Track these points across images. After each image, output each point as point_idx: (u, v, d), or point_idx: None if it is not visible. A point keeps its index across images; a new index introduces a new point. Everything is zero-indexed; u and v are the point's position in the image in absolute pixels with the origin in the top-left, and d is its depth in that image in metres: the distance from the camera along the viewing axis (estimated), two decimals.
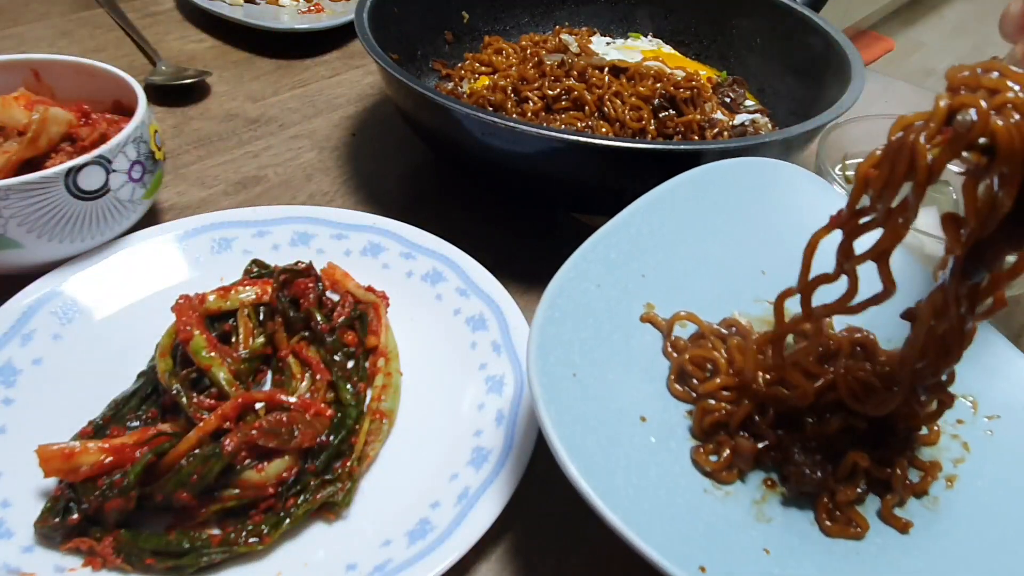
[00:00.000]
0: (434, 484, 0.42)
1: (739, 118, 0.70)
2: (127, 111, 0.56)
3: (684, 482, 0.40)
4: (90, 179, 0.49)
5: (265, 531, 0.39)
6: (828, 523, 0.39)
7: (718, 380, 0.43)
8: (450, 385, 0.48)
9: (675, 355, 0.45)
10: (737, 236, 0.50)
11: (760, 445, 0.41)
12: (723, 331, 0.47)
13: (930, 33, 3.29)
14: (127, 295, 0.51)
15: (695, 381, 0.44)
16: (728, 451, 0.41)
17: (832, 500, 0.40)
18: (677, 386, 0.44)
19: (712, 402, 0.42)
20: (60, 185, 0.47)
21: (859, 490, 0.40)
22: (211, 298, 0.48)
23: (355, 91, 0.82)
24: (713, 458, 0.41)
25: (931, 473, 0.42)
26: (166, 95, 0.77)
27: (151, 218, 0.60)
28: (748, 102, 0.74)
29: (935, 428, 0.44)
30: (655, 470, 0.38)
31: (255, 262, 0.53)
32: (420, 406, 0.47)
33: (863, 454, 0.40)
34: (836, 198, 0.50)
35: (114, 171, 0.50)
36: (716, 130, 0.65)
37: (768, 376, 0.42)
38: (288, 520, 0.39)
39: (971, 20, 3.41)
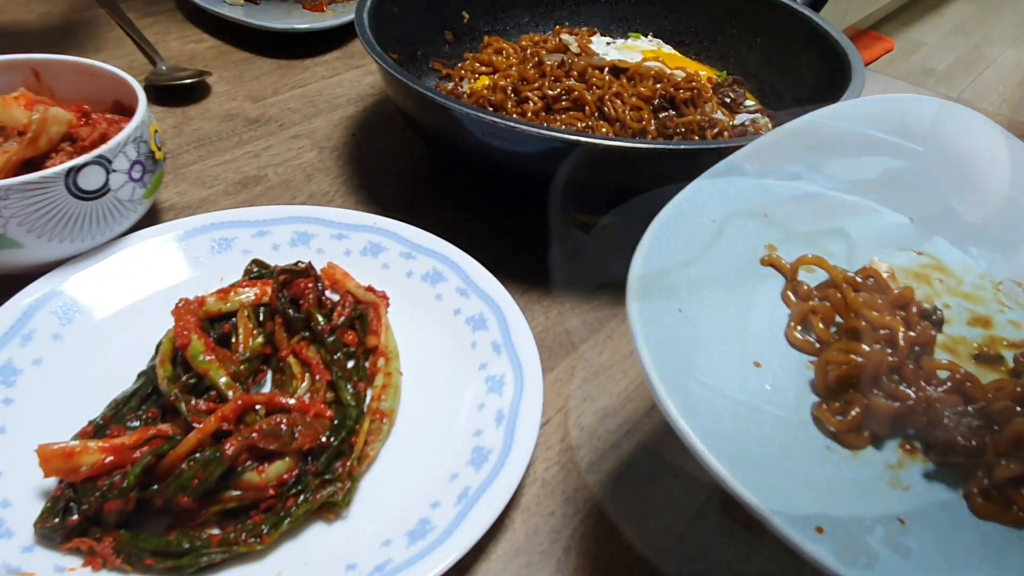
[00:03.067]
0: (434, 484, 0.42)
1: (739, 118, 0.70)
2: (127, 111, 0.56)
3: (803, 436, 0.35)
4: (90, 179, 0.49)
5: (265, 531, 0.38)
6: (980, 501, 0.33)
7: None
8: (450, 385, 0.48)
9: (797, 301, 0.40)
10: (881, 179, 0.44)
11: (897, 405, 0.35)
12: (858, 280, 0.41)
13: (930, 33, 3.29)
14: (127, 295, 0.51)
15: (821, 326, 0.39)
16: (858, 410, 0.35)
17: (988, 475, 0.33)
18: (798, 334, 0.39)
19: (838, 353, 0.37)
20: (60, 185, 0.47)
21: None
22: (210, 300, 0.48)
23: (355, 91, 0.82)
24: (839, 417, 0.35)
25: None
26: (166, 95, 0.77)
27: (151, 218, 0.60)
28: (748, 102, 0.74)
29: None
30: (768, 420, 0.34)
31: (255, 262, 0.53)
32: (420, 406, 0.47)
33: None
34: (1003, 140, 0.45)
35: (114, 171, 0.50)
36: (716, 130, 0.65)
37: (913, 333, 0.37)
38: (288, 520, 0.39)
39: (971, 20, 3.41)
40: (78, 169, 0.48)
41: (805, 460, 0.34)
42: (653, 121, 0.64)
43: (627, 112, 0.64)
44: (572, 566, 0.41)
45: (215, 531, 0.39)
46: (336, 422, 0.43)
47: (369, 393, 0.47)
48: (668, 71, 0.70)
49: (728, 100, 0.72)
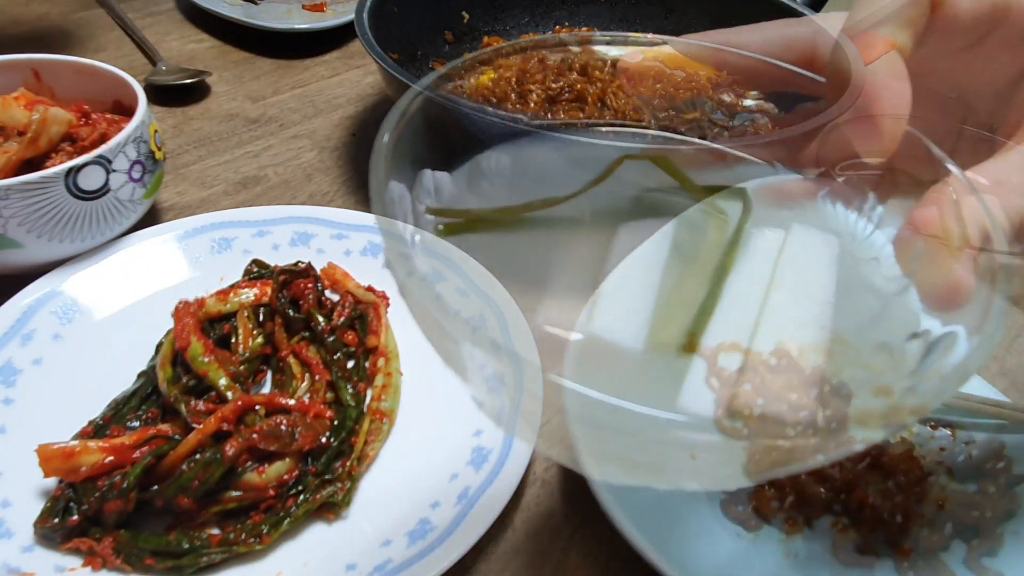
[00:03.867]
0: (434, 484, 0.42)
1: (739, 118, 0.70)
2: (127, 111, 0.56)
3: (735, 526, 0.38)
4: (90, 179, 0.49)
5: (265, 531, 0.39)
6: (911, 574, 0.36)
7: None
8: (450, 385, 0.48)
9: (720, 388, 0.41)
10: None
11: (823, 490, 0.38)
12: (772, 363, 0.43)
13: None
14: (127, 295, 0.51)
15: (747, 412, 0.40)
16: (792, 498, 0.38)
17: (916, 546, 0.37)
18: (726, 423, 0.40)
19: (766, 440, 0.39)
20: (60, 185, 0.47)
21: (945, 534, 0.37)
22: (210, 301, 0.48)
23: (355, 91, 0.82)
24: (775, 504, 0.38)
25: None
26: (166, 95, 0.77)
27: (151, 218, 0.60)
28: (748, 102, 0.74)
29: None
30: (700, 512, 0.38)
31: (255, 262, 0.53)
32: (420, 406, 0.47)
33: (944, 494, 0.37)
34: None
35: (114, 171, 0.50)
36: (716, 130, 0.65)
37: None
38: (288, 520, 0.39)
39: None
40: (78, 169, 0.48)
41: (743, 552, 0.37)
42: (653, 121, 0.64)
43: (628, 111, 0.64)
44: (572, 566, 0.41)
45: (215, 531, 0.39)
46: (336, 422, 0.43)
47: (369, 393, 0.47)
48: (668, 71, 0.70)
49: (728, 100, 0.72)
